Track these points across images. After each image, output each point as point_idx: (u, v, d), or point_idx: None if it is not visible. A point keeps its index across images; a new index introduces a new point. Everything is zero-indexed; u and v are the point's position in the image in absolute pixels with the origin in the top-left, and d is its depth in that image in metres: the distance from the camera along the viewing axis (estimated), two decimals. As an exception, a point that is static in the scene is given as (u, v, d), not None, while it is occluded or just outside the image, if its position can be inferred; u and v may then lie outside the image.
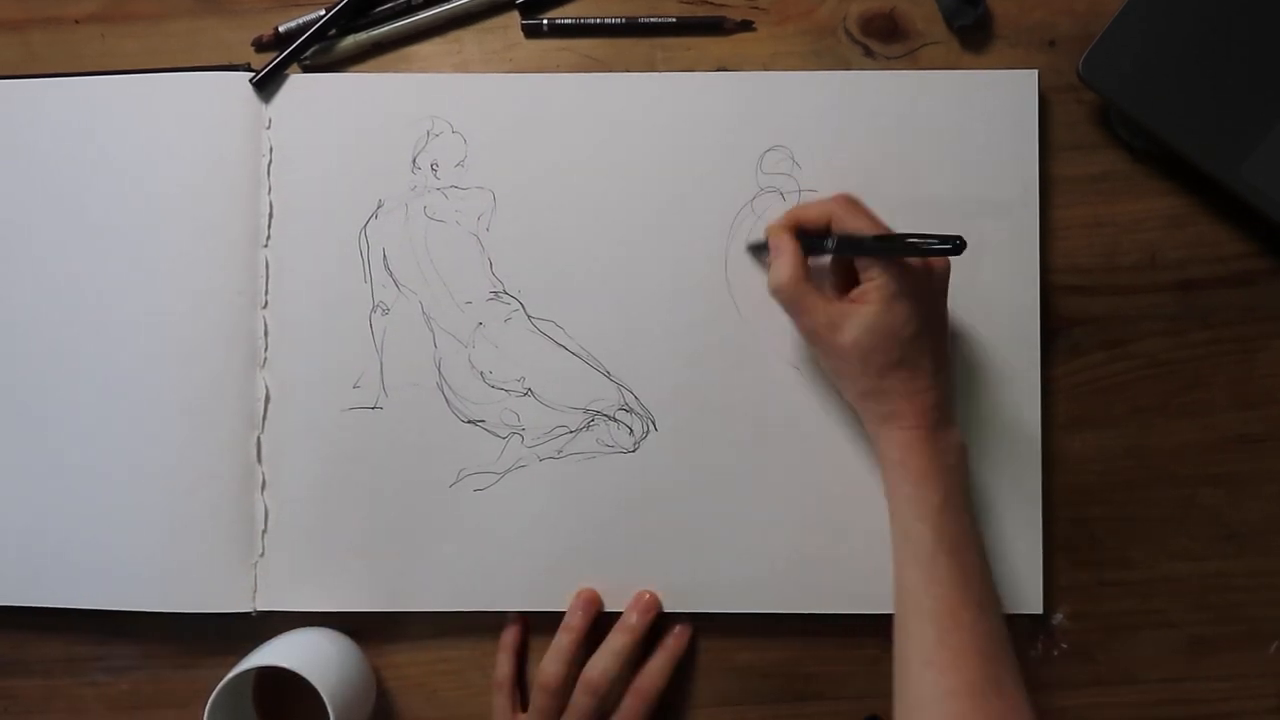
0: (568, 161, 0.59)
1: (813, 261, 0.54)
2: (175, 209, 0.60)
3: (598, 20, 0.60)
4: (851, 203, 0.55)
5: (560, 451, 0.59)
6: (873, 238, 0.52)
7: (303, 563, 0.59)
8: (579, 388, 0.59)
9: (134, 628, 0.61)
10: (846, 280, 0.54)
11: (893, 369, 0.52)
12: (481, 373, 0.60)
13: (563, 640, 0.58)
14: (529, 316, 0.60)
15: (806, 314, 0.53)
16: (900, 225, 0.59)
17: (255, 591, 0.59)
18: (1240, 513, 0.60)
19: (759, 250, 0.59)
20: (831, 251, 0.54)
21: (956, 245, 0.48)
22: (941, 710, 0.49)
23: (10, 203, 0.60)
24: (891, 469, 0.53)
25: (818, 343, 0.54)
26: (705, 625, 0.60)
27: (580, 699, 0.57)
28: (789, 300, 0.54)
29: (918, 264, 0.52)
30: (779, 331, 0.59)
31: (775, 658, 0.60)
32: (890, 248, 0.52)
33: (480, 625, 0.60)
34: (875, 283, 0.52)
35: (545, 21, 0.61)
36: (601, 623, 0.59)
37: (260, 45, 0.61)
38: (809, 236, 0.55)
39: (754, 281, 0.59)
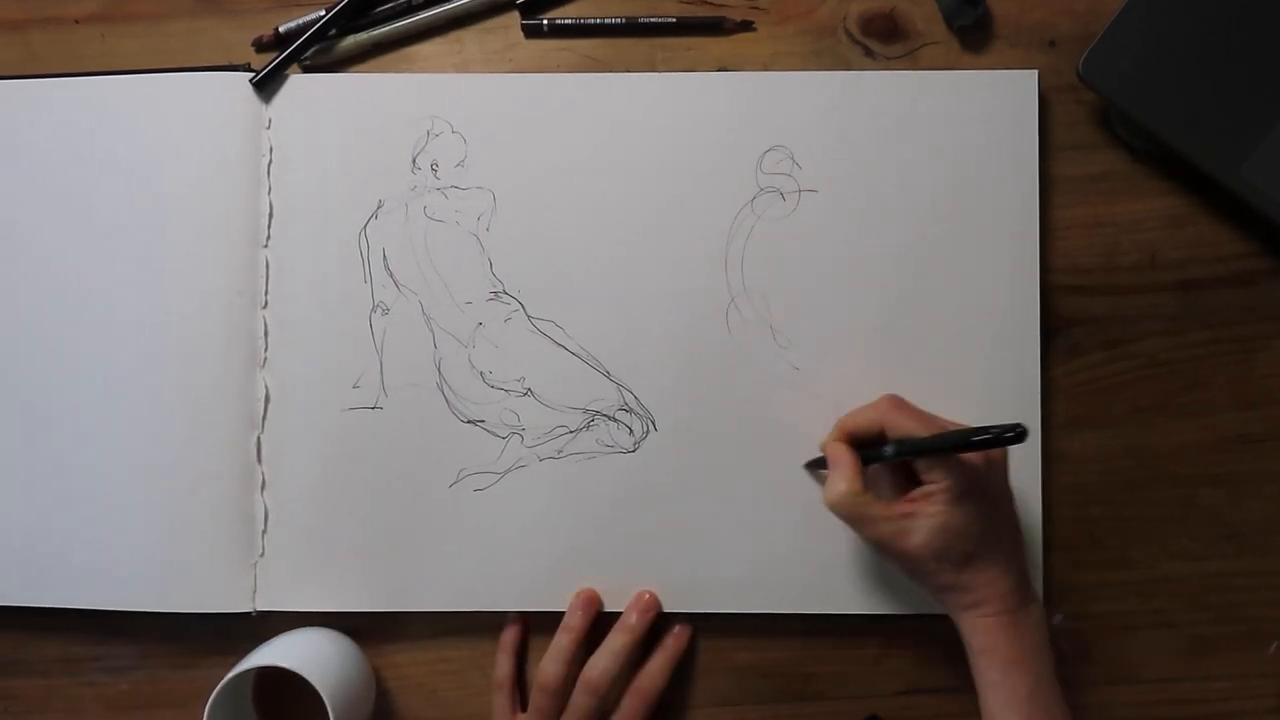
0: (568, 161, 0.59)
1: (868, 469, 0.54)
2: (176, 209, 0.60)
3: (598, 20, 0.60)
4: (900, 404, 0.54)
5: (560, 451, 0.59)
6: (932, 438, 0.51)
7: (303, 563, 0.59)
8: (579, 388, 0.59)
9: (133, 628, 0.61)
10: (902, 480, 0.54)
11: (967, 563, 0.51)
12: (481, 373, 0.60)
13: (562, 640, 0.58)
14: (529, 316, 0.60)
15: (870, 524, 0.52)
16: (900, 225, 0.59)
17: (255, 591, 0.59)
18: (1240, 513, 0.60)
19: (816, 466, 0.58)
20: (891, 459, 0.53)
21: (1018, 434, 0.47)
22: None
23: (10, 202, 0.60)
24: (977, 656, 0.52)
25: (886, 550, 0.53)
26: (705, 625, 0.60)
27: (580, 699, 0.57)
28: (851, 514, 0.52)
29: (976, 459, 0.52)
30: (778, 332, 0.59)
31: (775, 658, 0.60)
32: (950, 446, 0.51)
33: (480, 625, 0.60)
34: (939, 485, 0.51)
35: (545, 21, 0.61)
36: (601, 623, 0.59)
37: (260, 45, 0.61)
38: (865, 446, 0.54)
39: (753, 281, 0.59)
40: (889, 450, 0.53)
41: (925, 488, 0.52)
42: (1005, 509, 0.53)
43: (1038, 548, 0.58)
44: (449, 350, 0.60)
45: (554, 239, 0.59)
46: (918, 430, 0.52)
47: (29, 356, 0.60)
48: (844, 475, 0.53)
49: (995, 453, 0.53)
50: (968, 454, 0.51)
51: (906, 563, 0.53)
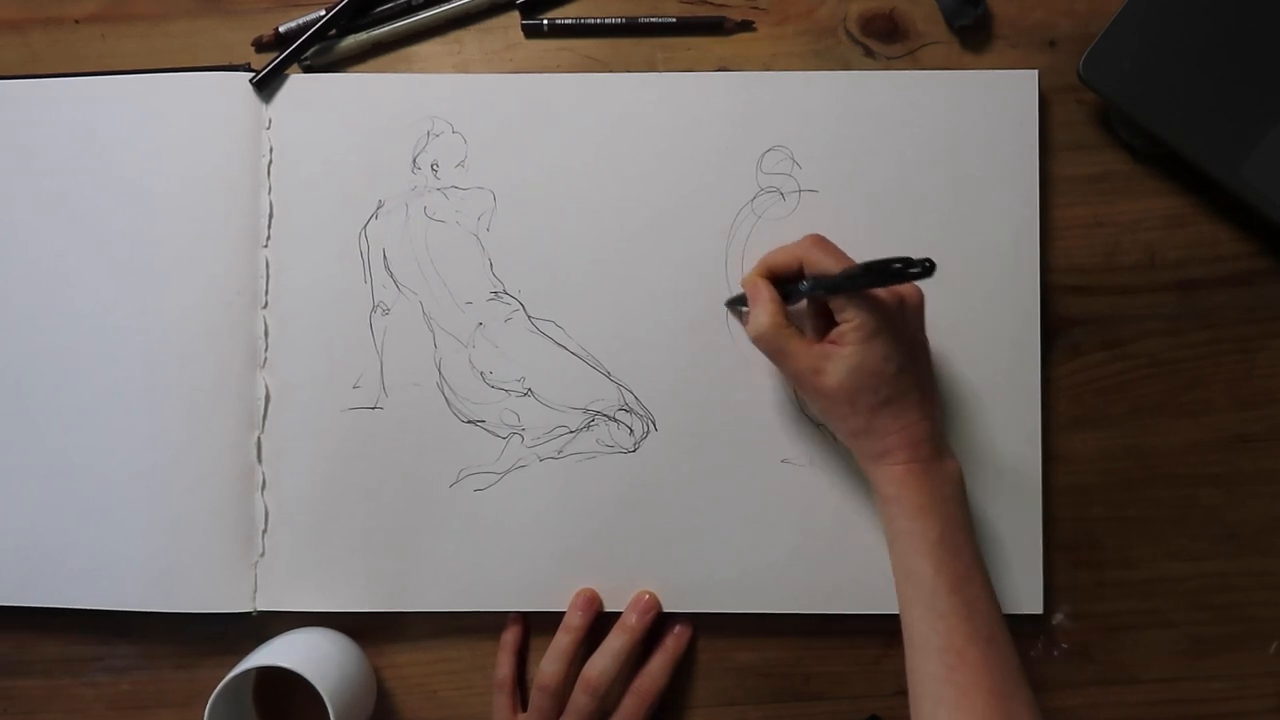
0: (568, 161, 0.59)
1: (792, 308, 0.54)
2: (175, 209, 0.60)
3: (598, 20, 0.60)
4: (822, 243, 0.54)
5: (560, 451, 0.59)
6: (842, 274, 0.51)
7: (303, 563, 0.59)
8: (579, 388, 0.59)
9: (134, 628, 0.61)
10: (825, 323, 0.54)
11: (881, 407, 0.52)
12: (482, 373, 0.60)
13: (562, 640, 0.58)
14: (529, 316, 0.60)
15: (790, 359, 0.53)
16: (900, 225, 0.59)
17: (255, 591, 0.59)
18: (1240, 513, 0.60)
19: (737, 304, 0.58)
20: (806, 293, 0.53)
21: (925, 268, 0.47)
22: None
23: (10, 202, 0.60)
24: (887, 505, 0.52)
25: (804, 387, 0.53)
26: (705, 625, 0.60)
27: (579, 699, 0.57)
28: (771, 346, 0.53)
29: (890, 299, 0.52)
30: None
31: (775, 658, 0.60)
32: (860, 281, 0.51)
33: (480, 625, 0.60)
34: (851, 324, 0.51)
35: (545, 21, 0.61)
36: (601, 623, 0.59)
37: (260, 45, 0.61)
38: (784, 283, 0.55)
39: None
40: (804, 285, 0.53)
41: (839, 328, 0.52)
42: (921, 356, 0.53)
43: (1038, 548, 0.58)
44: (449, 350, 0.60)
45: (554, 239, 0.59)
46: (835, 268, 0.52)
47: (29, 356, 0.60)
48: (764, 308, 0.53)
49: (910, 296, 0.53)
50: (881, 294, 0.51)
51: (822, 402, 0.53)
